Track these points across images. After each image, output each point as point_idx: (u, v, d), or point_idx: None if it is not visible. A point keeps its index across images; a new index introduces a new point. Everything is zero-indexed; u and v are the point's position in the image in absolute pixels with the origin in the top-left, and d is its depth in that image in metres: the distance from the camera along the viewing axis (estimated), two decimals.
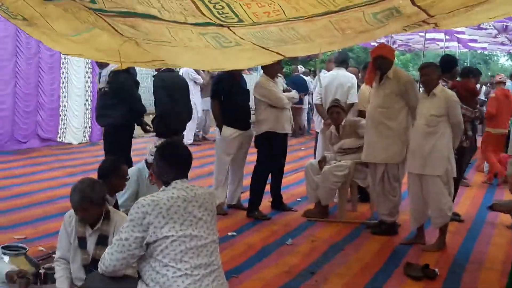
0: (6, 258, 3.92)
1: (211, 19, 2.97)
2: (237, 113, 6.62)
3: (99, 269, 3.07)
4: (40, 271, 4.05)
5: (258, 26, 3.03)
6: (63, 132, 11.20)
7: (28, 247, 4.18)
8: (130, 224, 2.95)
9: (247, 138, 6.80)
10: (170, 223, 2.93)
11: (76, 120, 11.34)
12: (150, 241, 2.93)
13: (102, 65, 5.96)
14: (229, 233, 5.92)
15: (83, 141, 11.50)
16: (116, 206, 4.60)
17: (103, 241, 3.66)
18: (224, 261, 5.06)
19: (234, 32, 3.22)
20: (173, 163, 3.11)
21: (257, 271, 4.92)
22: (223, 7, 2.80)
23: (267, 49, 3.64)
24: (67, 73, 11.03)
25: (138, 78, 6.42)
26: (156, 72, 6.69)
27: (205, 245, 3.04)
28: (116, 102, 5.86)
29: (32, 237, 5.38)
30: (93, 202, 3.61)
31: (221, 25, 3.08)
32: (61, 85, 11.02)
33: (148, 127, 6.33)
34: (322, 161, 6.75)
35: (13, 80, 9.98)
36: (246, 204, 6.82)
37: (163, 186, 3.13)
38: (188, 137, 12.09)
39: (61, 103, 11.08)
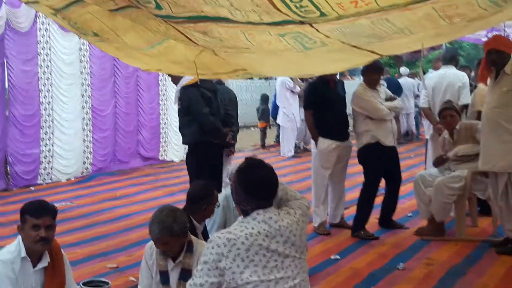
0: None
1: (289, 16, 2.52)
2: (334, 123, 6.09)
3: None
4: None
5: (345, 19, 2.53)
6: (165, 150, 11.21)
7: (110, 283, 3.95)
8: (205, 267, 2.54)
9: (346, 150, 6.26)
10: (251, 267, 2.49)
11: (177, 137, 11.24)
12: (229, 287, 2.53)
13: (175, 81, 5.66)
14: (332, 257, 5.40)
15: (184, 159, 11.42)
16: (205, 233, 4.27)
17: (186, 276, 3.29)
18: None
19: (317, 30, 2.75)
20: (252, 191, 2.63)
21: None
22: (301, 0, 2.35)
23: (360, 48, 3.13)
24: (165, 90, 11.03)
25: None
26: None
27: (293, 286, 2.56)
28: (188, 119, 5.54)
29: (125, 265, 5.17)
30: (174, 234, 3.28)
31: (302, 22, 2.62)
32: (160, 102, 11.05)
33: (231, 143, 5.83)
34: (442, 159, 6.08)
35: (113, 100, 10.09)
36: (350, 222, 6.27)
37: (241, 217, 2.70)
38: (288, 148, 11.77)
39: (161, 121, 11.10)
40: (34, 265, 3.21)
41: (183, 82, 5.46)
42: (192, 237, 3.51)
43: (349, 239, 5.98)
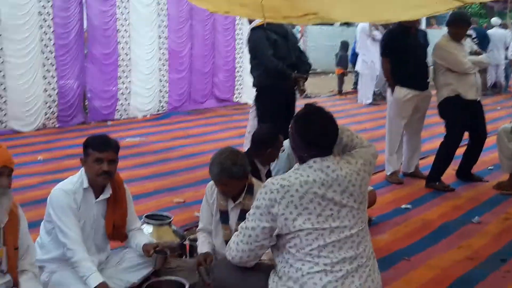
0: (150, 228, 3.72)
1: None
2: (412, 71, 5.75)
3: (226, 256, 2.64)
4: (185, 242, 3.79)
5: None
6: (239, 92, 11.16)
7: (173, 217, 3.94)
8: (257, 211, 2.46)
9: (424, 100, 5.94)
10: (304, 215, 2.38)
11: (252, 81, 11.16)
12: (281, 233, 2.44)
13: (250, 23, 5.49)
14: (403, 206, 5.22)
15: None
16: (268, 176, 4.18)
17: (245, 217, 3.24)
18: (395, 238, 4.48)
19: None
20: (309, 139, 2.49)
21: (433, 254, 4.20)
22: None
23: None
24: (242, 34, 10.85)
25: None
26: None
27: (350, 236, 2.44)
28: (256, 62, 5.37)
29: (191, 200, 5.22)
30: (233, 176, 3.20)
31: None
32: (236, 46, 10.93)
33: (302, 87, 5.56)
34: None
35: (189, 42, 10.05)
36: (425, 172, 6.00)
37: (297, 164, 2.56)
38: (366, 96, 11.44)
39: (236, 64, 11.01)
40: (96, 197, 3.24)
41: (253, 24, 5.30)
42: (254, 179, 3.44)
43: (423, 189, 5.76)
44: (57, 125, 8.35)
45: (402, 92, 5.79)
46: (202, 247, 3.35)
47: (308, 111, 2.57)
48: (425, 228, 4.70)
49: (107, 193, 3.27)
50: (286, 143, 4.20)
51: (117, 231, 3.35)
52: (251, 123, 5.79)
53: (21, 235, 2.90)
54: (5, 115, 7.85)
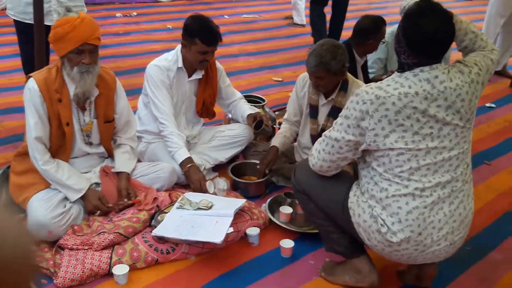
0: None
1: None
2: None
3: (308, 161, 1.79)
4: (275, 126, 2.98)
5: None
6: None
7: (267, 96, 3.09)
8: (345, 122, 1.61)
9: None
10: (398, 132, 1.52)
11: None
12: (368, 149, 1.60)
13: None
14: (487, 104, 4.01)
15: None
16: (364, 67, 3.14)
17: (335, 114, 2.35)
18: (477, 139, 3.34)
19: None
20: (416, 45, 1.53)
21: None
22: None
23: None
24: None
25: None
26: None
27: (448, 158, 1.57)
28: None
29: (288, 80, 4.29)
30: (331, 71, 2.26)
31: None
32: None
33: None
34: None
35: None
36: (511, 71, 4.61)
37: (396, 72, 1.60)
38: None
39: None
40: (189, 76, 2.53)
41: None
42: (349, 75, 2.49)
43: (507, 89, 4.43)
44: None
45: None
46: (275, 139, 2.60)
47: (422, 9, 1.55)
48: (508, 130, 3.55)
49: (200, 74, 2.55)
50: (387, 32, 3.19)
51: (206, 109, 2.69)
52: None
53: (119, 110, 2.26)
54: None
